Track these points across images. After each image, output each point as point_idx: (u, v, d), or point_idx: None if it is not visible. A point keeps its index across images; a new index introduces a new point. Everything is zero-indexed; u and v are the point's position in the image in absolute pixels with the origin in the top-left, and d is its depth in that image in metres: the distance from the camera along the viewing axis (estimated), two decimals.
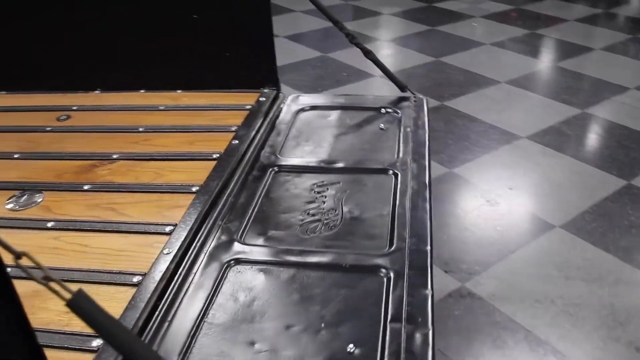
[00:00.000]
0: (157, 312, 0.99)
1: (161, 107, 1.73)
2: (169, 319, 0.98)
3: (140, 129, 1.60)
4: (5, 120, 1.71)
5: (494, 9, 5.46)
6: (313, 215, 1.25)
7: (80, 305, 0.57)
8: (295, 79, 3.94)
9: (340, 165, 1.42)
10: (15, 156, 1.52)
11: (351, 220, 1.23)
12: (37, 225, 1.23)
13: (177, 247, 1.12)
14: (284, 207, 1.28)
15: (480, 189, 2.74)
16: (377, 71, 4.18)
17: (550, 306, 2.05)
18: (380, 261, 1.09)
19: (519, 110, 3.49)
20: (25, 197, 1.33)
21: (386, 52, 4.55)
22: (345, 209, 1.26)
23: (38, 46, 1.86)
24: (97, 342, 0.93)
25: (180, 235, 1.15)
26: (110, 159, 1.47)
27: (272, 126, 1.63)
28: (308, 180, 1.38)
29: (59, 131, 1.64)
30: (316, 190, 1.34)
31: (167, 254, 1.10)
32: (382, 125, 1.61)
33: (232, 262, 1.10)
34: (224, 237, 1.17)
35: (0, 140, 1.60)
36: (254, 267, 1.09)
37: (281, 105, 1.75)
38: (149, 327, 0.96)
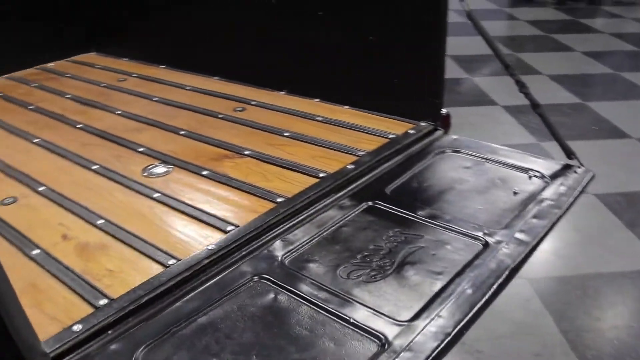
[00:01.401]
0: (165, 297, 1.07)
1: (318, 118, 1.79)
2: (169, 307, 1.05)
3: (285, 134, 1.70)
4: (200, 101, 1.98)
5: None
6: (368, 260, 1.18)
7: None
8: (533, 122, 3.62)
9: (436, 219, 1.30)
10: (181, 132, 1.75)
11: (399, 277, 1.12)
12: (147, 192, 1.42)
13: (222, 247, 1.18)
14: (347, 243, 1.23)
15: None
16: (637, 133, 3.62)
17: None
18: (388, 329, 0.98)
19: None
20: (159, 167, 1.55)
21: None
22: (402, 264, 1.16)
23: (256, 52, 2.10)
24: (103, 301, 1.05)
25: (233, 238, 1.21)
26: (242, 154, 1.59)
27: (406, 161, 1.57)
28: (393, 224, 1.29)
29: (226, 120, 1.83)
30: (392, 236, 1.26)
31: (210, 249, 1.17)
32: (516, 189, 1.42)
33: (256, 277, 1.12)
34: (270, 252, 1.19)
35: (181, 117, 1.87)
36: (271, 289, 1.09)
37: (433, 143, 1.66)
38: (149, 306, 1.05)
